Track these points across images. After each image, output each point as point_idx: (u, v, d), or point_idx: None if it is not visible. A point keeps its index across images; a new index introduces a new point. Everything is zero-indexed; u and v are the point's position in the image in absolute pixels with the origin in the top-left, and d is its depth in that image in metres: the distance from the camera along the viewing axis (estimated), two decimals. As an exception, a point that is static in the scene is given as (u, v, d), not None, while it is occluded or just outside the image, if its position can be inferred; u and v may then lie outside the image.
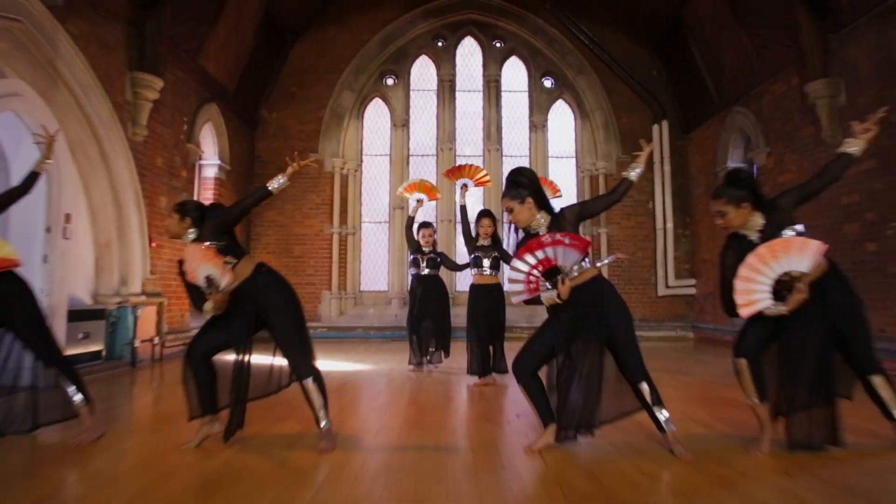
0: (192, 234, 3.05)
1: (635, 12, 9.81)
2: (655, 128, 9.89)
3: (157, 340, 6.50)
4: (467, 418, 3.86)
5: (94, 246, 5.77)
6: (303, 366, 2.93)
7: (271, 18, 9.08)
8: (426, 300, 5.66)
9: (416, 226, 5.85)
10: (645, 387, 2.81)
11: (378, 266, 10.11)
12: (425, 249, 5.77)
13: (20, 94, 4.37)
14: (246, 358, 2.92)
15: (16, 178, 4.64)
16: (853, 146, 2.85)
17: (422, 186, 5.86)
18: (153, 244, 6.46)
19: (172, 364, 6.43)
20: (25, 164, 4.65)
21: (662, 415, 2.81)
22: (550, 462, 2.74)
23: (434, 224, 6.36)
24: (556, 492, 2.35)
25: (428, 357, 5.80)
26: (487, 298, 5.00)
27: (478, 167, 5.54)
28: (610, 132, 10.04)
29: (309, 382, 2.91)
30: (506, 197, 2.97)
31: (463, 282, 9.54)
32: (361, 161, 10.16)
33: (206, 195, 8.40)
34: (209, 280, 2.83)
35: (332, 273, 9.65)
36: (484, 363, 4.90)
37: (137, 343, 6.06)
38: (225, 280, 2.82)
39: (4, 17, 4.19)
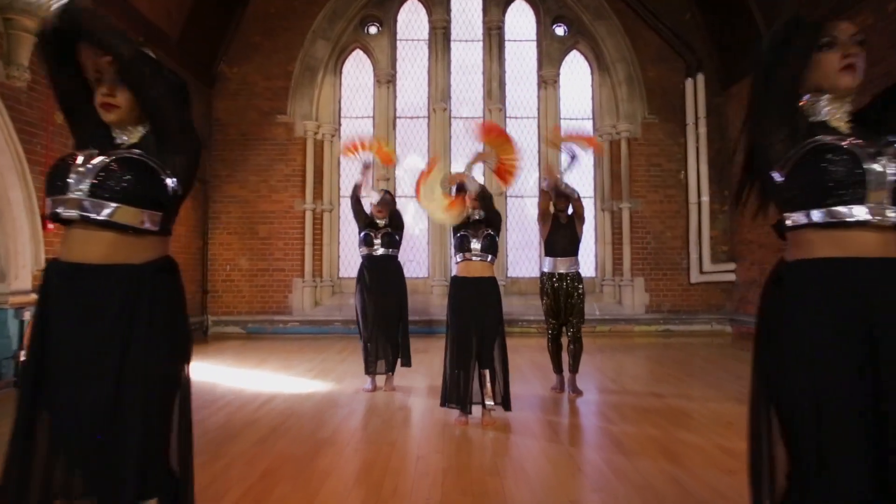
0: None
1: (667, -60, 8.13)
2: (689, 82, 8.29)
3: (61, 348, 5.04)
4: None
5: (-47, 229, 4.29)
6: None
7: (223, -53, 7.47)
8: (377, 289, 4.47)
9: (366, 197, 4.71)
10: None
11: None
12: (379, 222, 4.58)
13: None
14: None
15: None
16: None
17: (374, 146, 4.72)
18: (50, 226, 4.96)
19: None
20: None
21: None
22: None
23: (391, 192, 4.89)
24: None
25: (385, 369, 4.48)
26: (476, 298, 3.53)
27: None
28: (634, 88, 8.43)
29: None
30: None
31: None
32: (339, 124, 8.62)
33: (144, 164, 6.87)
34: None
35: (304, 257, 8.20)
36: (466, 390, 3.44)
37: (24, 356, 4.60)
38: None
39: None
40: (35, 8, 4.46)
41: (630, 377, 5.08)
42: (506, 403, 3.52)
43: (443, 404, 3.50)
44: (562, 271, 4.35)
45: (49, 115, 5.00)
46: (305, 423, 3.52)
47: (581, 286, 4.37)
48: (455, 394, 3.43)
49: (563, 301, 4.31)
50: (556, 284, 4.33)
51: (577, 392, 4.29)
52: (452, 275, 3.66)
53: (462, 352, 3.46)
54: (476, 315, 3.49)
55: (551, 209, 4.43)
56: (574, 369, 4.36)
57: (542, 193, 4.54)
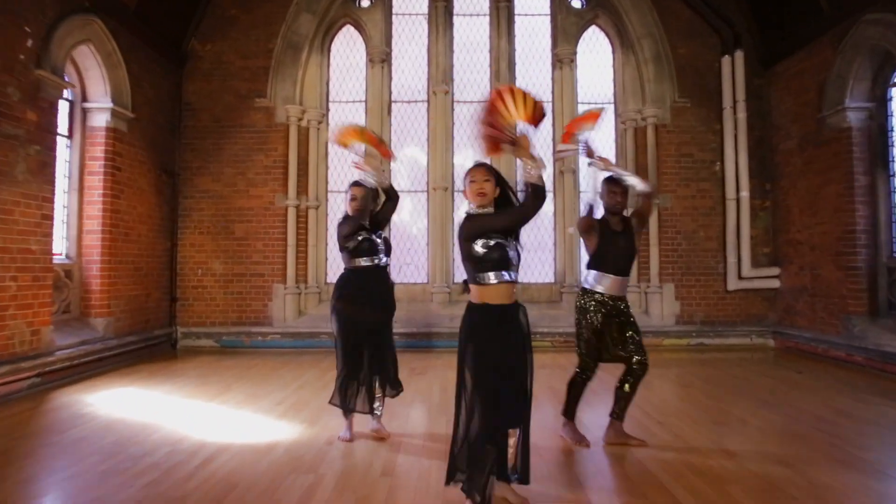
0: None
1: None
2: (725, 61, 7.24)
3: (-32, 379, 4.05)
4: None
5: None
6: None
7: None
8: (369, 306, 3.49)
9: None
10: None
11: (350, 250, 7.61)
12: (366, 223, 3.53)
13: None
14: None
15: None
16: None
17: (363, 135, 3.83)
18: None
19: (4, 412, 4.04)
20: None
21: None
22: None
23: (370, 181, 3.61)
24: None
25: (377, 407, 3.54)
26: (513, 337, 2.43)
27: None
28: (662, 67, 7.37)
29: None
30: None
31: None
32: (327, 109, 7.60)
33: (94, 152, 5.87)
34: None
35: (287, 260, 7.19)
36: (488, 469, 2.36)
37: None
38: None
39: None
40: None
41: (679, 417, 4.01)
42: (524, 474, 2.49)
43: (449, 481, 2.42)
44: (615, 294, 3.34)
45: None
46: (250, 503, 2.51)
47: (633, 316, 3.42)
48: (473, 471, 2.30)
49: (614, 334, 3.35)
50: (605, 312, 3.32)
51: (629, 439, 3.32)
52: (471, 301, 2.45)
53: (493, 412, 2.31)
54: (516, 359, 2.41)
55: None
56: (621, 416, 3.37)
57: (586, 217, 3.48)
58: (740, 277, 7.12)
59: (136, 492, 2.63)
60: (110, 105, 5.88)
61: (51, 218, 5.00)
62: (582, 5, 7.69)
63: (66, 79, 5.38)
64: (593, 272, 3.38)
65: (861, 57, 5.71)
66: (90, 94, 5.87)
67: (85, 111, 5.86)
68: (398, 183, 7.41)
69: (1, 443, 3.36)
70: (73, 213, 5.73)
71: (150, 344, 6.64)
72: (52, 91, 4.99)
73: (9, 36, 4.52)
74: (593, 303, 3.33)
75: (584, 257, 8.33)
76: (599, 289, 3.34)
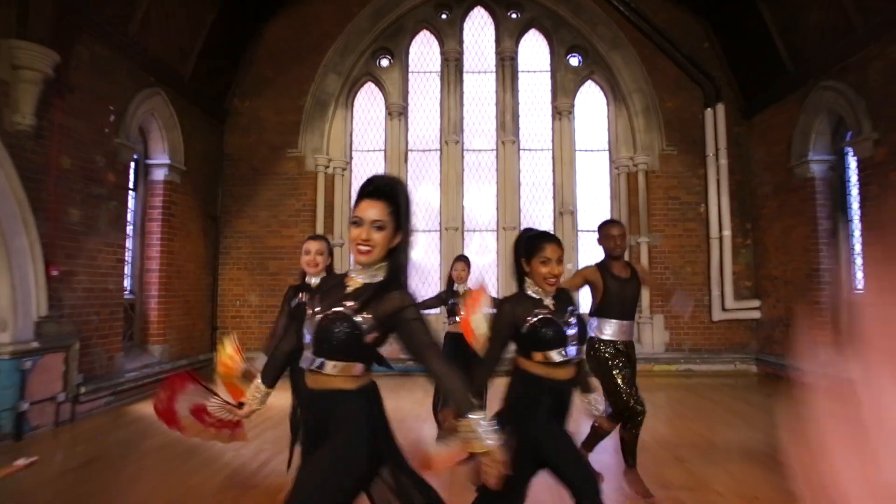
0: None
1: (683, -30, 7.99)
2: (708, 113, 8.07)
3: (63, 397, 4.94)
4: None
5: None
6: None
7: (236, -15, 7.46)
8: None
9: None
10: None
11: (371, 283, 8.44)
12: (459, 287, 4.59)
13: None
14: None
15: None
16: None
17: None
18: (53, 271, 4.88)
19: (92, 423, 4.95)
20: None
21: None
22: None
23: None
24: None
25: None
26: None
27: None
28: (651, 119, 8.22)
29: None
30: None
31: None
32: (350, 158, 8.52)
33: (154, 202, 6.83)
34: None
35: (315, 293, 8.02)
36: None
37: (26, 406, 4.50)
38: None
39: None
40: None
41: (660, 444, 4.69)
42: None
43: None
44: (626, 339, 3.33)
45: (54, 162, 4.95)
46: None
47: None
48: None
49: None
50: (622, 356, 3.28)
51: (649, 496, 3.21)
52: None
53: None
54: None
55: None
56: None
57: (585, 272, 3.35)
58: (724, 309, 7.83)
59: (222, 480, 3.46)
60: (168, 161, 6.86)
61: (123, 261, 5.94)
62: (579, 63, 8.59)
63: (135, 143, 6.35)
64: (605, 321, 3.28)
65: (821, 116, 6.50)
66: (151, 152, 6.85)
67: (147, 167, 6.83)
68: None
69: (94, 448, 4.21)
70: (136, 255, 6.67)
71: (195, 368, 7.46)
72: (126, 155, 5.97)
73: (99, 115, 5.51)
74: (610, 349, 3.24)
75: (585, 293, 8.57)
76: (607, 335, 3.26)
